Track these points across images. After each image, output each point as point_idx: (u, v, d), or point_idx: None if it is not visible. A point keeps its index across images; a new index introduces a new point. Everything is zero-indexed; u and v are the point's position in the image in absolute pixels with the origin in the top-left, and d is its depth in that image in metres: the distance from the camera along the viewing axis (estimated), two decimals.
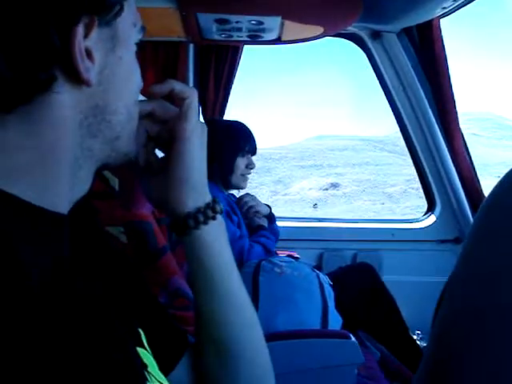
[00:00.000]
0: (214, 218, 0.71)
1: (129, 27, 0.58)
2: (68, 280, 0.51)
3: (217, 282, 0.72)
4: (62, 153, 0.53)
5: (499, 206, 0.65)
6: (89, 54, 0.51)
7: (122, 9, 0.54)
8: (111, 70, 0.55)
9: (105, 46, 0.54)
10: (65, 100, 0.51)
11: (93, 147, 0.57)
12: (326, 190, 18.55)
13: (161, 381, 0.63)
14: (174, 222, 0.71)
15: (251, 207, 2.45)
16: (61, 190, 0.54)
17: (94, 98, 0.54)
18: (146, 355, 0.63)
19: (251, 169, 2.36)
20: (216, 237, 0.72)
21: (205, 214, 0.70)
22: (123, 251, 0.79)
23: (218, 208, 0.72)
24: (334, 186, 18.82)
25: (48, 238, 0.52)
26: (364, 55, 2.80)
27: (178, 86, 0.70)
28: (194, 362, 0.76)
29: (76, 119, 0.53)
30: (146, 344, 0.65)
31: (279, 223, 2.63)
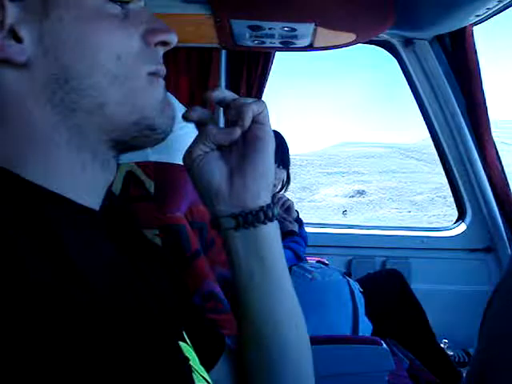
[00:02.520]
0: (275, 217, 0.71)
1: None
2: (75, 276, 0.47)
3: (275, 279, 0.72)
4: (44, 137, 0.52)
5: None
6: (14, 33, 0.49)
7: None
8: (54, 36, 0.50)
9: (34, 15, 0.50)
10: (12, 84, 0.50)
11: (79, 123, 0.53)
12: (352, 197, 18.44)
13: (203, 375, 0.64)
14: (240, 216, 0.69)
15: (289, 207, 2.46)
16: (65, 176, 0.53)
17: (48, 70, 0.51)
18: (188, 350, 0.63)
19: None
20: (276, 235, 0.73)
21: (272, 210, 0.70)
22: (164, 251, 0.80)
23: (276, 208, 0.72)
24: (360, 193, 18.70)
25: (56, 225, 0.49)
26: (393, 62, 2.79)
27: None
28: (233, 364, 0.77)
29: (41, 98, 0.51)
30: (187, 339, 0.66)
31: (308, 229, 2.62)
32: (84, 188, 0.55)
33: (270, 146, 0.70)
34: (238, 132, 0.68)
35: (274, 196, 2.51)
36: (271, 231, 0.71)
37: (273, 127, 0.72)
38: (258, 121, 0.69)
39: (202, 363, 0.68)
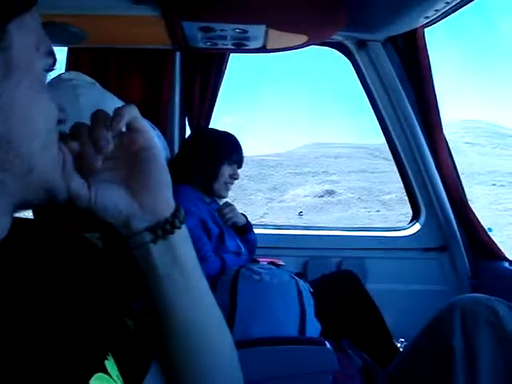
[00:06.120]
0: (184, 218, 0.70)
1: (29, 52, 0.56)
2: None
3: (195, 283, 0.71)
4: None
5: None
6: None
7: (4, 34, 0.51)
8: (9, 98, 0.53)
9: None
10: None
11: (5, 181, 0.54)
12: (322, 197, 18.49)
13: None
14: (158, 227, 0.67)
15: (229, 219, 2.41)
16: None
17: None
18: (108, 381, 0.60)
19: (235, 179, 2.36)
20: (188, 236, 0.71)
21: (180, 211, 0.69)
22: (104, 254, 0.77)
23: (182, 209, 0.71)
24: (330, 193, 18.75)
25: None
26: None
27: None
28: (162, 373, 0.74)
29: None
30: (109, 368, 0.62)
31: (266, 231, 2.62)
32: None
33: (157, 150, 0.68)
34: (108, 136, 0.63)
35: (218, 211, 2.46)
36: (184, 233, 0.70)
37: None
38: (136, 128, 0.67)
39: (130, 379, 0.66)
